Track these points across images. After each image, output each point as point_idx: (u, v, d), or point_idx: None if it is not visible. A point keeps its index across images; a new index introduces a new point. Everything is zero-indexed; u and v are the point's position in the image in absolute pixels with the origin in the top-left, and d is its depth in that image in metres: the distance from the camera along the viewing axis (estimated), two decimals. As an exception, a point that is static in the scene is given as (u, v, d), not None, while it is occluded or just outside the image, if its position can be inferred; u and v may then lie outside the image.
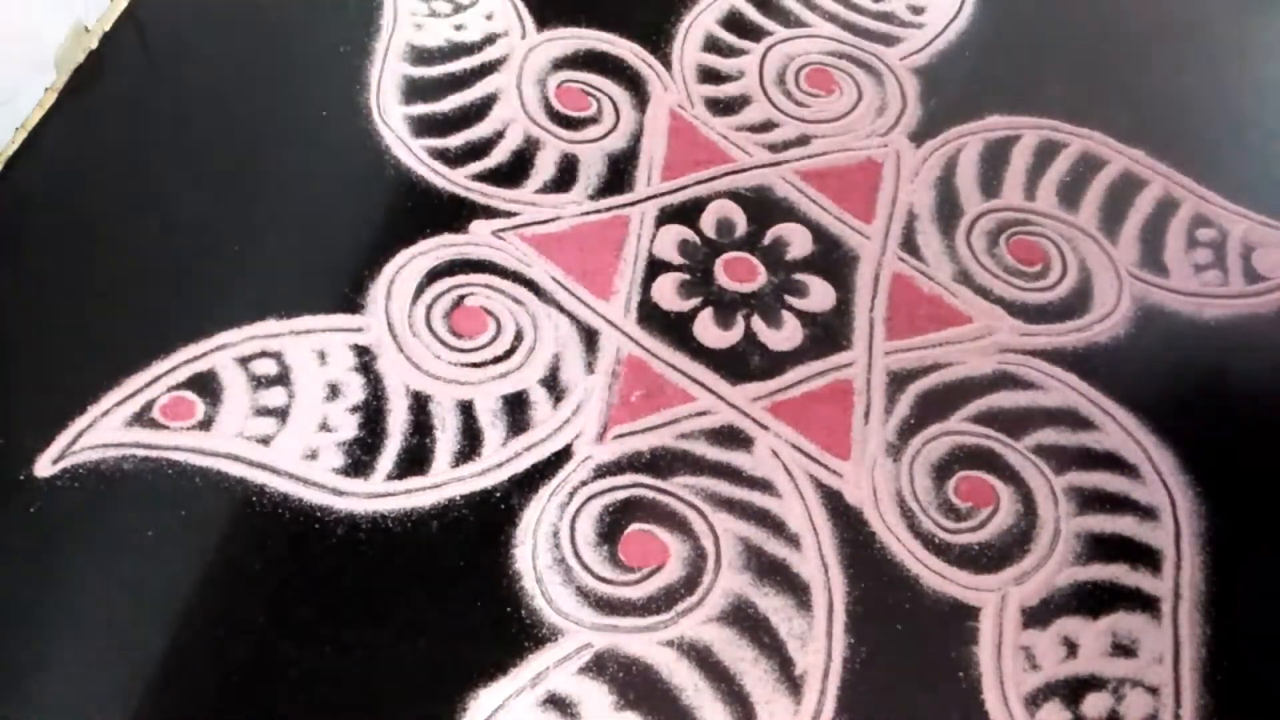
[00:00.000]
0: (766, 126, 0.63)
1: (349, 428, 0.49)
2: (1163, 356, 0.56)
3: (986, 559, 0.49)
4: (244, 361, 0.51)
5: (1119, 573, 0.49)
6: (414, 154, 0.58)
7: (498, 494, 0.48)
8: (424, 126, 0.60)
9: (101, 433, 0.48)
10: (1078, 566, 0.49)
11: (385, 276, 0.54)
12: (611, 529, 0.48)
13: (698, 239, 0.58)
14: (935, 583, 0.48)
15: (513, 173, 0.59)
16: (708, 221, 0.59)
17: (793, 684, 0.45)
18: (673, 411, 0.52)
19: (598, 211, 0.58)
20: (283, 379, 0.50)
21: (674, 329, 0.54)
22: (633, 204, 0.59)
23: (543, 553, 0.47)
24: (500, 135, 0.60)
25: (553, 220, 0.57)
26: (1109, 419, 0.53)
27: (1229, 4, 0.72)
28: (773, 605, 0.47)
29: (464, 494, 0.48)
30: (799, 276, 0.57)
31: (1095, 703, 0.46)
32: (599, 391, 0.52)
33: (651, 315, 0.55)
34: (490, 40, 0.64)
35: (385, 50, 0.62)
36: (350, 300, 0.53)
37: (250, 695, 0.43)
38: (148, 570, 0.45)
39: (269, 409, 0.49)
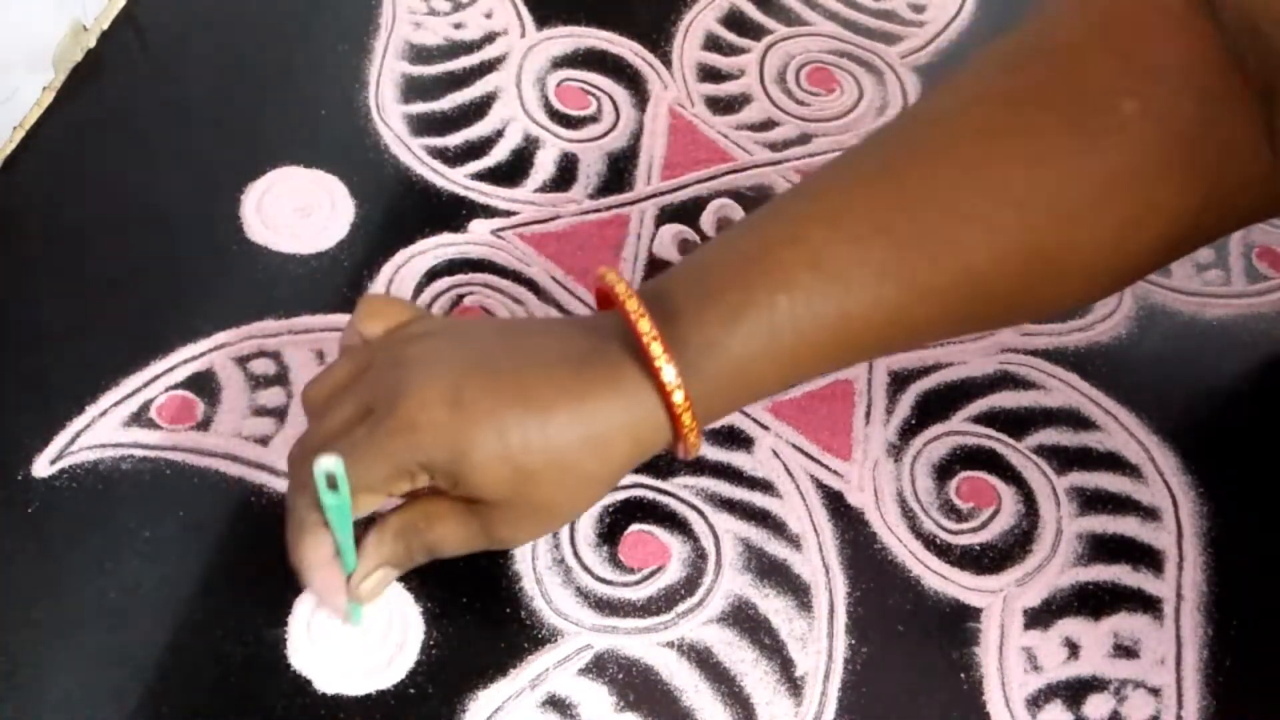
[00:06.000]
0: (767, 125, 0.63)
1: (348, 428, 0.49)
2: (1165, 356, 0.56)
3: (988, 560, 0.49)
4: (242, 361, 0.50)
5: (1121, 574, 0.49)
6: (413, 153, 0.58)
7: (497, 494, 0.48)
8: (423, 125, 0.59)
9: (99, 433, 0.48)
10: (1080, 567, 0.49)
11: (384, 276, 0.54)
12: (611, 530, 0.48)
13: (698, 238, 0.58)
14: (937, 584, 0.48)
15: (512, 172, 0.59)
16: (708, 220, 0.58)
17: (793, 685, 0.45)
18: (673, 411, 0.51)
19: (597, 210, 0.58)
20: (281, 379, 0.50)
21: (674, 329, 0.54)
22: (633, 203, 0.58)
23: (542, 554, 0.47)
24: (499, 134, 0.60)
25: (552, 219, 0.57)
26: (1111, 419, 0.53)
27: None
28: (773, 606, 0.47)
29: (463, 494, 0.48)
30: (800, 276, 0.57)
31: (1097, 704, 0.46)
32: (599, 391, 0.52)
33: (651, 315, 0.54)
34: (489, 39, 0.64)
35: (384, 48, 0.62)
36: (349, 300, 0.53)
37: (249, 695, 0.43)
38: (145, 570, 0.45)
39: (267, 409, 0.49)
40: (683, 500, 0.49)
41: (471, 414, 0.34)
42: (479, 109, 0.61)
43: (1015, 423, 0.53)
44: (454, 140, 0.59)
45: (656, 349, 0.35)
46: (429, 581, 0.45)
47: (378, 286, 0.53)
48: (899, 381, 0.54)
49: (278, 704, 0.42)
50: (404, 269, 0.54)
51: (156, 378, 0.50)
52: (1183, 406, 0.54)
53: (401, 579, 0.45)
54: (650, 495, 0.49)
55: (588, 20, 0.65)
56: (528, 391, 0.35)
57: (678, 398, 0.35)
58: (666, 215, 0.58)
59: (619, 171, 0.59)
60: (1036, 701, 0.45)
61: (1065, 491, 0.51)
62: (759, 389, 0.39)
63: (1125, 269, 0.43)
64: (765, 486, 0.50)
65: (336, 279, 0.54)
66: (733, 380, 0.37)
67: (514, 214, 0.57)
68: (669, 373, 0.35)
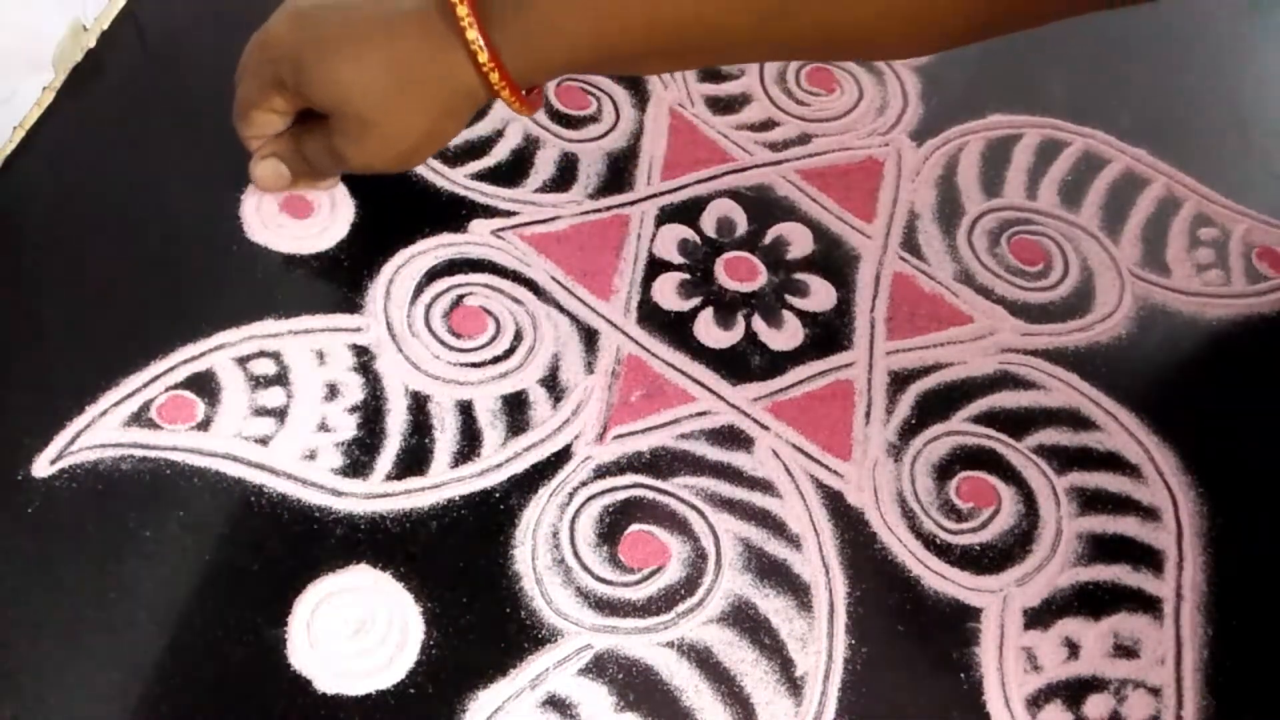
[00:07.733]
0: (767, 125, 0.63)
1: (348, 428, 0.49)
2: (1165, 356, 0.56)
3: (988, 560, 0.49)
4: (242, 361, 0.50)
5: (1121, 573, 0.49)
6: (413, 153, 0.58)
7: (497, 494, 0.48)
8: (423, 125, 0.59)
9: (99, 433, 0.48)
10: (1079, 567, 0.49)
11: (384, 276, 0.54)
12: (611, 530, 0.48)
13: (698, 238, 0.58)
14: (936, 583, 0.48)
15: (512, 172, 0.59)
16: (708, 221, 0.58)
17: (793, 685, 0.45)
18: (673, 411, 0.51)
19: (597, 211, 0.58)
20: (281, 379, 0.50)
21: (674, 329, 0.54)
22: (632, 203, 0.58)
23: (542, 554, 0.47)
24: (499, 134, 0.60)
25: (552, 219, 0.57)
26: (1111, 419, 0.53)
27: (1231, 1, 0.71)
28: (773, 606, 0.47)
29: (463, 494, 0.48)
30: (800, 276, 0.57)
31: (1097, 704, 0.46)
32: (599, 391, 0.52)
33: (651, 315, 0.55)
34: (490, 39, 0.64)
35: (384, 49, 0.62)
36: (349, 300, 0.53)
37: (249, 695, 0.43)
38: (146, 570, 0.45)
39: (267, 409, 0.49)
40: (683, 500, 0.49)
41: (307, 35, 0.45)
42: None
43: (1015, 423, 0.53)
44: (453, 140, 0.59)
45: (462, 10, 0.41)
46: (429, 581, 0.46)
47: (377, 286, 0.53)
48: (899, 381, 0.54)
49: (278, 704, 0.42)
50: (404, 269, 0.54)
51: (156, 378, 0.50)
52: (1183, 406, 0.54)
53: (401, 579, 0.45)
54: (650, 495, 0.49)
55: (588, 20, 0.65)
56: (351, 22, 0.44)
57: (482, 58, 0.42)
58: (666, 215, 0.58)
59: (619, 171, 0.59)
60: (1036, 701, 0.45)
61: (1065, 491, 0.51)
62: (573, 52, 0.43)
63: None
64: (765, 486, 0.50)
65: (336, 279, 0.54)
66: (543, 39, 0.42)
67: (514, 214, 0.57)
68: (472, 34, 0.41)
